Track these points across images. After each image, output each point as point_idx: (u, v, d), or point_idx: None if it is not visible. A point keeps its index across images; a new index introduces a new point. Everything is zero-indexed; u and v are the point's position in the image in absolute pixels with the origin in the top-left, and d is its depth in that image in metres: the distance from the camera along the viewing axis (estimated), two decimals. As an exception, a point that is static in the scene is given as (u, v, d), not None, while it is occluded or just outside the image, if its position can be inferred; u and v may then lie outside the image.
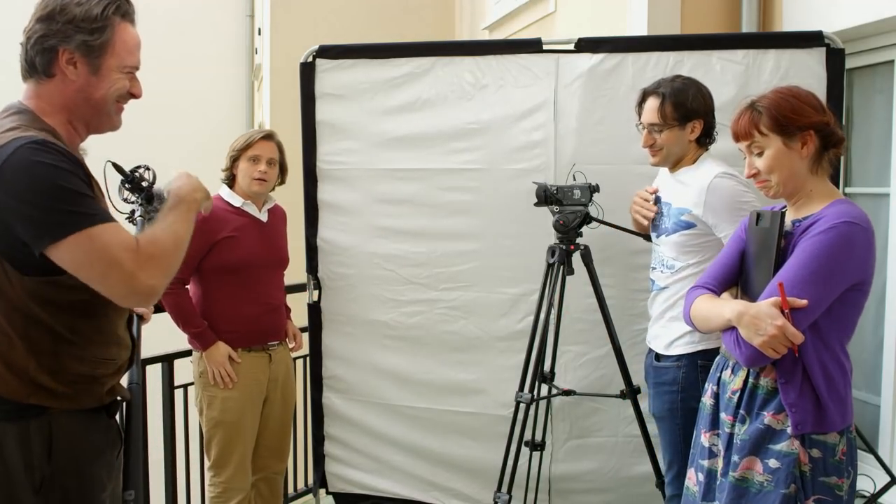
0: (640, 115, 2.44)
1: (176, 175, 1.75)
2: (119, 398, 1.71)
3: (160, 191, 1.78)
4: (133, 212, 1.82)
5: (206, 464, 2.84)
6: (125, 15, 1.58)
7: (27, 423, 1.51)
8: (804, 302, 1.66)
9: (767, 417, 1.75)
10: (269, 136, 2.85)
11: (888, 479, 2.54)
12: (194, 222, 1.68)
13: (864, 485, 2.59)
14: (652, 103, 2.38)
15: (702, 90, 2.38)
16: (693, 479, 1.94)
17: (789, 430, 1.72)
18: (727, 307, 1.79)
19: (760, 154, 1.82)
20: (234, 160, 2.81)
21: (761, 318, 1.68)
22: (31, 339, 1.51)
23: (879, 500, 2.59)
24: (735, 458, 1.78)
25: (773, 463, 1.72)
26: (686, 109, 2.33)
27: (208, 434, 2.78)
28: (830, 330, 1.74)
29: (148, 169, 1.86)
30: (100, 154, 1.71)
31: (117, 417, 1.71)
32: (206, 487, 2.86)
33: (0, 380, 1.50)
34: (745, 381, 1.81)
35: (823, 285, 1.69)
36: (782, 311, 1.67)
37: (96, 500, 1.62)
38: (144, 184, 1.75)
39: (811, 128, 1.78)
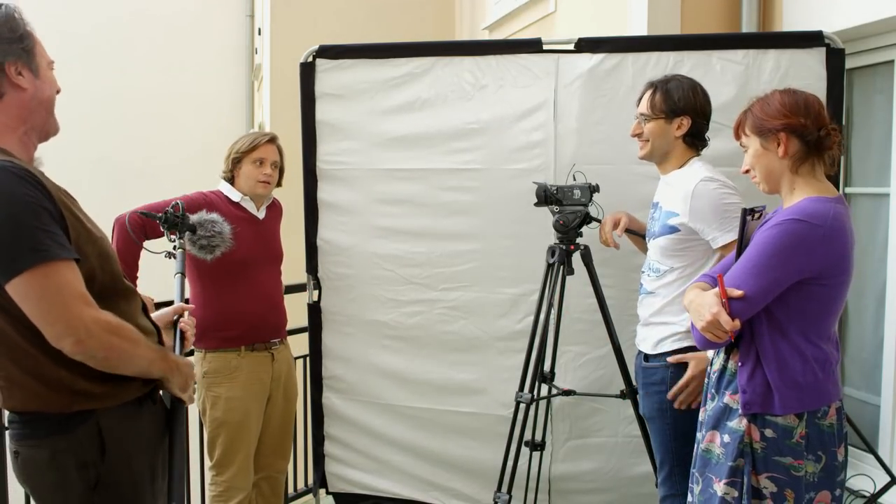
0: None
1: (191, 365, 1.78)
2: (158, 389, 1.73)
3: (201, 218, 1.88)
4: (174, 246, 1.93)
5: (208, 463, 2.84)
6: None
7: (76, 430, 1.55)
8: (739, 293, 1.79)
9: (727, 397, 1.90)
10: (272, 140, 2.86)
11: (888, 479, 2.54)
12: (147, 369, 1.65)
13: (864, 485, 2.59)
14: (647, 95, 2.40)
15: (695, 89, 2.37)
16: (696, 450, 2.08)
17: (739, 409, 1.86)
18: (688, 295, 1.95)
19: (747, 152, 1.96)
20: (237, 162, 2.81)
21: (703, 305, 1.82)
22: (54, 350, 1.51)
23: (879, 500, 2.59)
24: (703, 431, 1.96)
25: (726, 438, 1.88)
26: (673, 103, 2.34)
27: (211, 434, 2.77)
28: (788, 320, 1.83)
29: (176, 205, 1.93)
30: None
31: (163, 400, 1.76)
32: (207, 486, 2.86)
33: (40, 398, 1.54)
34: (721, 364, 1.94)
35: (763, 278, 1.79)
36: (722, 301, 1.79)
37: (146, 492, 1.65)
38: (178, 219, 1.89)
39: (783, 130, 1.86)
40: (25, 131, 1.59)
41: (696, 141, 2.38)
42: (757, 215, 1.92)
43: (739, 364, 1.86)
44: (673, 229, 2.30)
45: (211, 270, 2.70)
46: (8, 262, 1.43)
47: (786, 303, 1.82)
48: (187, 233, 1.97)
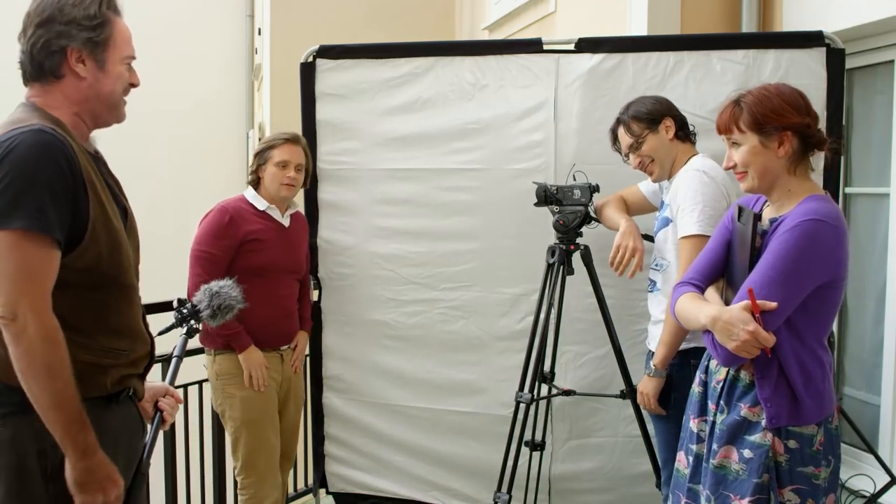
0: (620, 152, 2.50)
1: (114, 482, 1.60)
2: (130, 391, 1.68)
3: (209, 298, 1.88)
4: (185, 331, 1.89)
5: (236, 468, 2.79)
6: (115, 9, 1.64)
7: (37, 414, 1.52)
8: (774, 305, 1.69)
9: (744, 410, 1.80)
10: (296, 140, 2.82)
11: (888, 479, 2.55)
12: (46, 409, 1.50)
13: (864, 485, 2.60)
14: (621, 132, 2.46)
15: (654, 97, 2.46)
16: (683, 462, 1.99)
17: (763, 422, 1.76)
18: (703, 311, 1.82)
19: (739, 148, 1.85)
20: (261, 164, 2.78)
21: (734, 323, 1.71)
22: None
23: (879, 500, 2.59)
24: (714, 446, 1.84)
25: (747, 453, 1.78)
26: (647, 113, 2.40)
27: (234, 435, 2.75)
28: (806, 326, 1.76)
29: (181, 303, 1.92)
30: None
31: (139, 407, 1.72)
32: (238, 494, 2.82)
33: (6, 368, 1.50)
34: (728, 373, 1.86)
35: (791, 284, 1.71)
36: (754, 316, 1.69)
37: None
38: (193, 316, 1.87)
39: (789, 129, 1.79)
40: (77, 113, 1.61)
41: (686, 132, 2.43)
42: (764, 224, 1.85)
43: (758, 376, 1.76)
44: (666, 221, 2.35)
45: (229, 272, 2.63)
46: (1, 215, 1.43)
47: (805, 309, 1.74)
48: (198, 314, 1.96)
